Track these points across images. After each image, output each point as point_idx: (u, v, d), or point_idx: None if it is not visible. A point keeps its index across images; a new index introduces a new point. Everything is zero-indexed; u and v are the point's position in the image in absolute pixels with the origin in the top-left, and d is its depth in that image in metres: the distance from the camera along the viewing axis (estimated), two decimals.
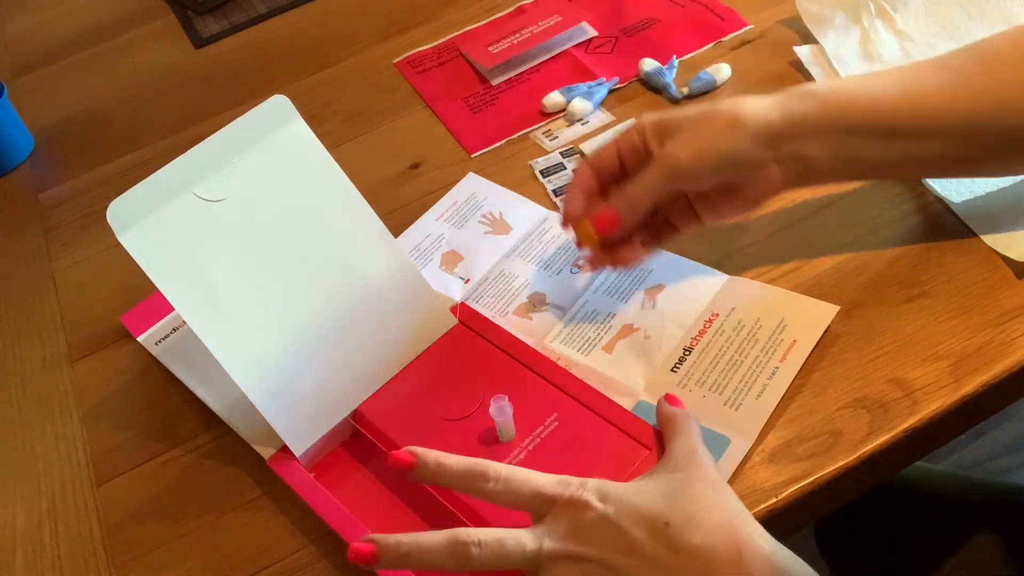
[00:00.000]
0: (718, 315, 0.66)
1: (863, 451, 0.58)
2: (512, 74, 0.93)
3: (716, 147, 0.61)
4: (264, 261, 0.63)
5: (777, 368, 0.62)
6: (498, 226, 0.77)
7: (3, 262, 0.88)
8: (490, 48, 0.95)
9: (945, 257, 0.66)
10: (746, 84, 0.85)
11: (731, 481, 0.57)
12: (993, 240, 0.66)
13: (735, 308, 0.66)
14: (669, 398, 0.59)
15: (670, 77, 0.86)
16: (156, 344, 0.74)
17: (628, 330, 0.67)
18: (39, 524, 0.66)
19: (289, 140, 0.65)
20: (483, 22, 1.01)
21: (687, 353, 0.64)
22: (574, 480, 0.51)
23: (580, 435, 0.59)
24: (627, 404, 0.62)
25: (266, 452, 0.63)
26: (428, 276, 0.73)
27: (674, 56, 0.88)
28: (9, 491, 0.68)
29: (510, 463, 0.56)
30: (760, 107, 0.61)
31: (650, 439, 0.58)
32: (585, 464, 0.57)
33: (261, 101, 0.65)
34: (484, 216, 0.78)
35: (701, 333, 0.65)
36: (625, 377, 0.64)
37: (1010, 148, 0.61)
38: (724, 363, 0.63)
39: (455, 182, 0.83)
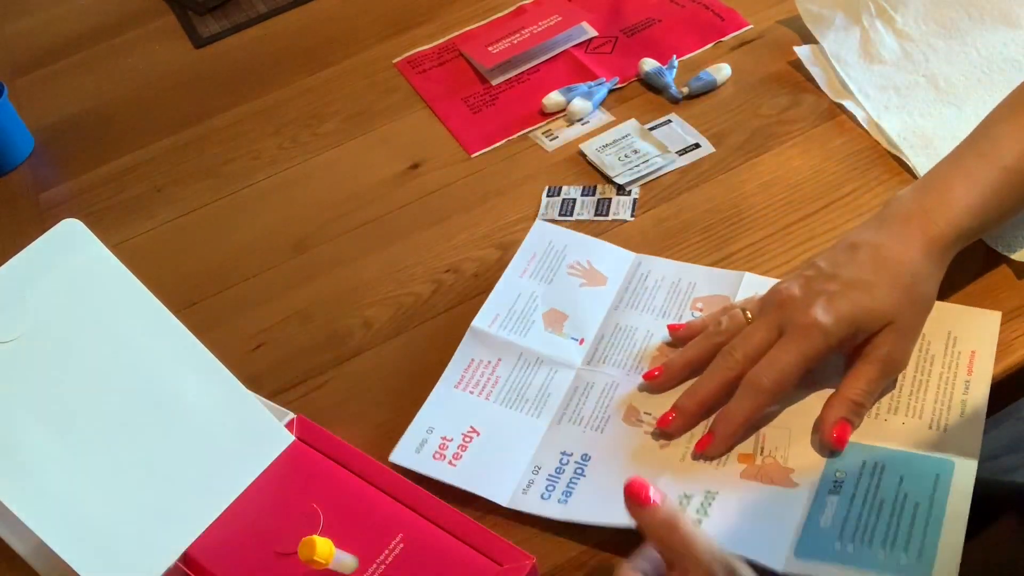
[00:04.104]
0: None
1: None
2: (512, 74, 0.93)
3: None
4: (68, 400, 0.57)
5: (968, 381, 0.59)
6: (591, 276, 0.71)
7: (3, 262, 0.88)
8: (490, 48, 0.95)
9: None
10: (746, 84, 0.85)
11: None
12: (993, 240, 0.66)
13: None
14: (636, 490, 0.49)
15: (670, 77, 0.86)
16: None
17: None
18: None
19: (86, 266, 0.60)
20: (483, 22, 1.01)
21: None
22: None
23: (427, 556, 0.55)
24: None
25: None
26: (536, 340, 0.68)
27: (674, 56, 0.88)
28: None
29: None
30: (932, 280, 0.59)
31: (502, 554, 0.54)
32: None
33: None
34: (572, 267, 0.72)
35: None
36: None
37: None
38: (909, 384, 0.60)
39: (455, 182, 0.83)
